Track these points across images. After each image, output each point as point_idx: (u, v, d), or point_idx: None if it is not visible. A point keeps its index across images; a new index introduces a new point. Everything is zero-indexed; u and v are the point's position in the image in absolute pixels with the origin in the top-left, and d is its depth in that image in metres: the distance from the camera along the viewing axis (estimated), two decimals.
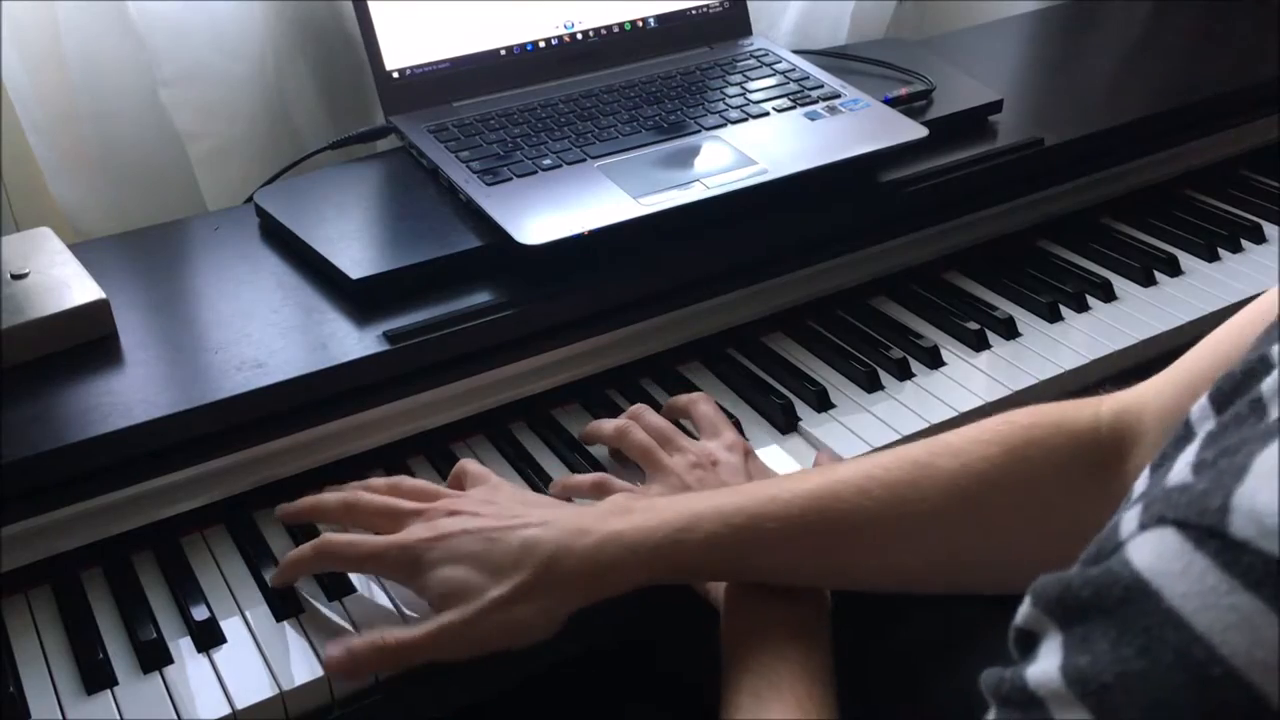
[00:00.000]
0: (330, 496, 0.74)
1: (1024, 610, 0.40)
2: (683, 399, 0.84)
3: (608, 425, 0.81)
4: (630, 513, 0.66)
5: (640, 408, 0.82)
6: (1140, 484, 0.42)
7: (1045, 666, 0.38)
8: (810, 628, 0.66)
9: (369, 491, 0.73)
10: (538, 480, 0.81)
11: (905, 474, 0.65)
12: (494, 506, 0.69)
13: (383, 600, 0.73)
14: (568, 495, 0.78)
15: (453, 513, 0.68)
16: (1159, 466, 0.41)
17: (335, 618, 0.71)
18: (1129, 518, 0.38)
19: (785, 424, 0.86)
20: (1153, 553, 0.36)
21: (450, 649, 0.65)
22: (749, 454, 0.78)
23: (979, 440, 0.65)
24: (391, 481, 0.74)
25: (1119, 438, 0.64)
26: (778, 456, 0.83)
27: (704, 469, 0.75)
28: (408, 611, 0.71)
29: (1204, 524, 0.35)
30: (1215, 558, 0.34)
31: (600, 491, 0.76)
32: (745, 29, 1.12)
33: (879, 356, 0.92)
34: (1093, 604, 0.37)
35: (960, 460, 0.65)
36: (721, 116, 0.98)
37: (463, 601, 0.64)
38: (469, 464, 0.75)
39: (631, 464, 0.80)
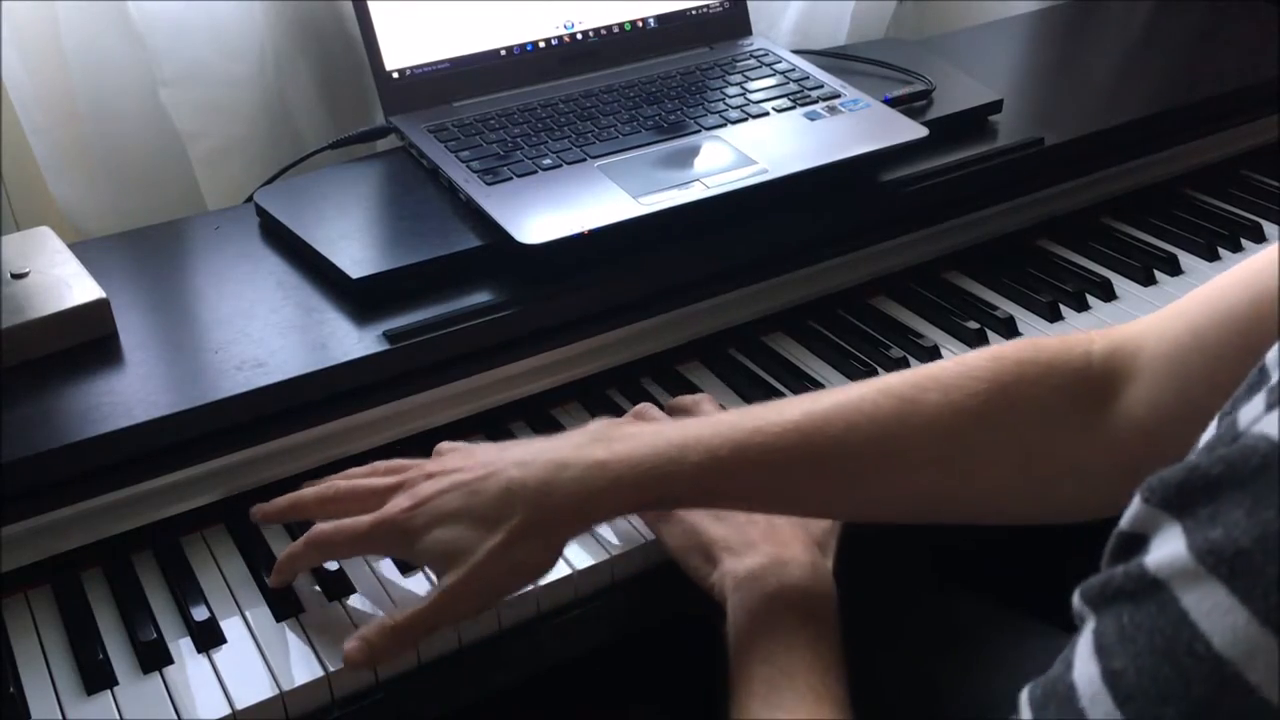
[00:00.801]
0: (307, 491, 0.74)
1: (1132, 512, 0.41)
2: (686, 399, 0.84)
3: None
4: (611, 441, 0.66)
5: (644, 406, 0.82)
6: (1210, 431, 0.42)
7: (1166, 551, 0.38)
8: (818, 615, 0.66)
9: (345, 479, 0.73)
10: None
11: (892, 409, 0.65)
12: (471, 460, 0.69)
13: (382, 600, 0.73)
14: None
15: (430, 475, 0.69)
16: (1228, 413, 0.41)
17: (335, 618, 0.71)
18: (1249, 409, 0.39)
19: None
20: None
21: (459, 609, 0.66)
22: None
23: (968, 376, 0.65)
24: (368, 467, 0.74)
25: (1110, 375, 0.64)
26: None
27: None
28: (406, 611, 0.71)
29: None
30: None
31: None
32: (745, 29, 1.12)
33: (879, 356, 0.92)
34: (1225, 478, 0.37)
35: (949, 397, 0.65)
36: (721, 116, 0.98)
37: (459, 560, 0.64)
38: (445, 444, 0.75)
39: None
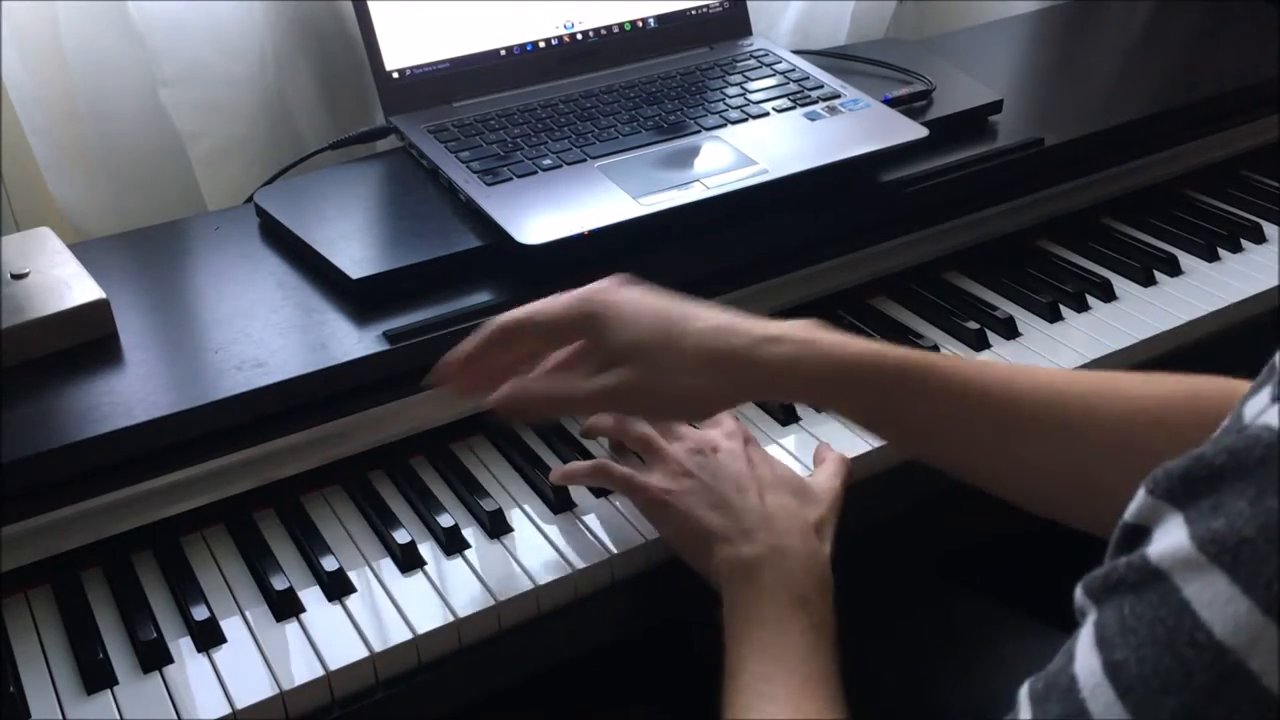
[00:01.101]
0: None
1: (1136, 504, 0.41)
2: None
3: (608, 417, 0.81)
4: (820, 329, 0.69)
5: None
6: (1234, 412, 0.42)
7: (1168, 542, 0.38)
8: (813, 607, 0.66)
9: None
10: (539, 480, 0.81)
11: (1091, 388, 0.66)
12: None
13: (382, 600, 0.73)
14: (566, 484, 0.79)
15: None
16: (1237, 409, 0.41)
17: (335, 618, 0.72)
18: (1255, 403, 0.39)
19: (785, 418, 0.86)
20: None
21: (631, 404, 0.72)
22: (749, 440, 0.78)
23: (1169, 390, 0.65)
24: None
25: None
26: (777, 453, 0.83)
27: (704, 454, 0.75)
28: (407, 613, 0.71)
29: None
30: None
31: (600, 476, 0.77)
32: (745, 29, 1.12)
33: None
34: (1228, 469, 0.38)
35: (1144, 400, 0.65)
36: (721, 117, 0.98)
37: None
38: None
39: (632, 454, 0.80)
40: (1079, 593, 0.42)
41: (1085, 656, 0.40)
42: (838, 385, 0.68)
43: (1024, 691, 0.43)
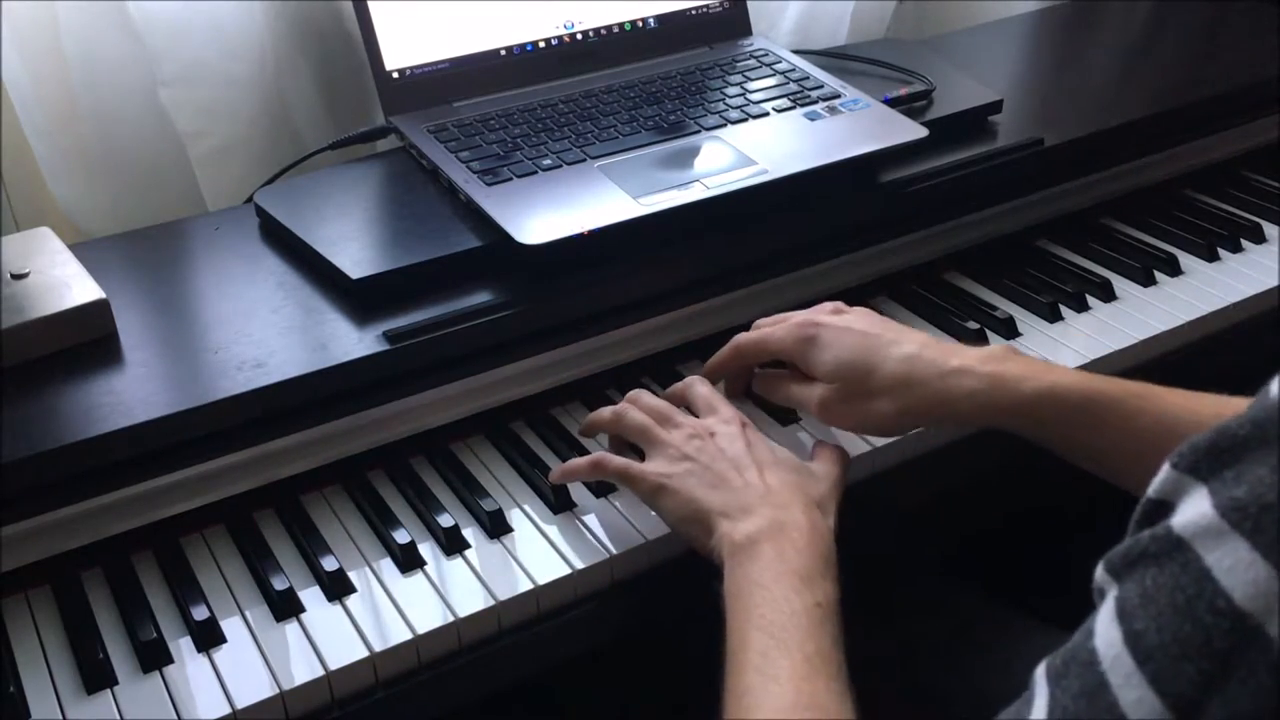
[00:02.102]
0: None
1: (1160, 478, 0.42)
2: (679, 385, 0.84)
3: (605, 412, 0.81)
4: (1008, 360, 0.74)
5: (637, 392, 0.82)
6: (1262, 389, 0.43)
7: (1191, 513, 0.39)
8: (816, 581, 0.65)
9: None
10: (539, 480, 0.81)
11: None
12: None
13: (383, 600, 0.73)
14: (566, 481, 0.79)
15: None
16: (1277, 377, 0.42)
17: (335, 618, 0.72)
18: (1277, 384, 0.40)
19: (784, 418, 0.86)
20: None
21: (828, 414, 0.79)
22: (745, 425, 0.78)
23: None
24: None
25: None
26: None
27: (701, 439, 0.75)
28: (407, 612, 0.71)
29: None
30: None
31: (598, 470, 0.77)
32: (745, 29, 1.12)
33: None
34: (1251, 439, 0.39)
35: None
36: (721, 117, 0.98)
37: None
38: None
39: (632, 449, 0.80)
40: (1100, 571, 0.43)
41: (1105, 630, 0.41)
42: (1019, 420, 0.73)
43: (1040, 671, 0.43)
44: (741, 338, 0.83)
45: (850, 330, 0.78)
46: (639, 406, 0.80)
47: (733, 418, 0.78)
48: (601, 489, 0.80)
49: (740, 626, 0.64)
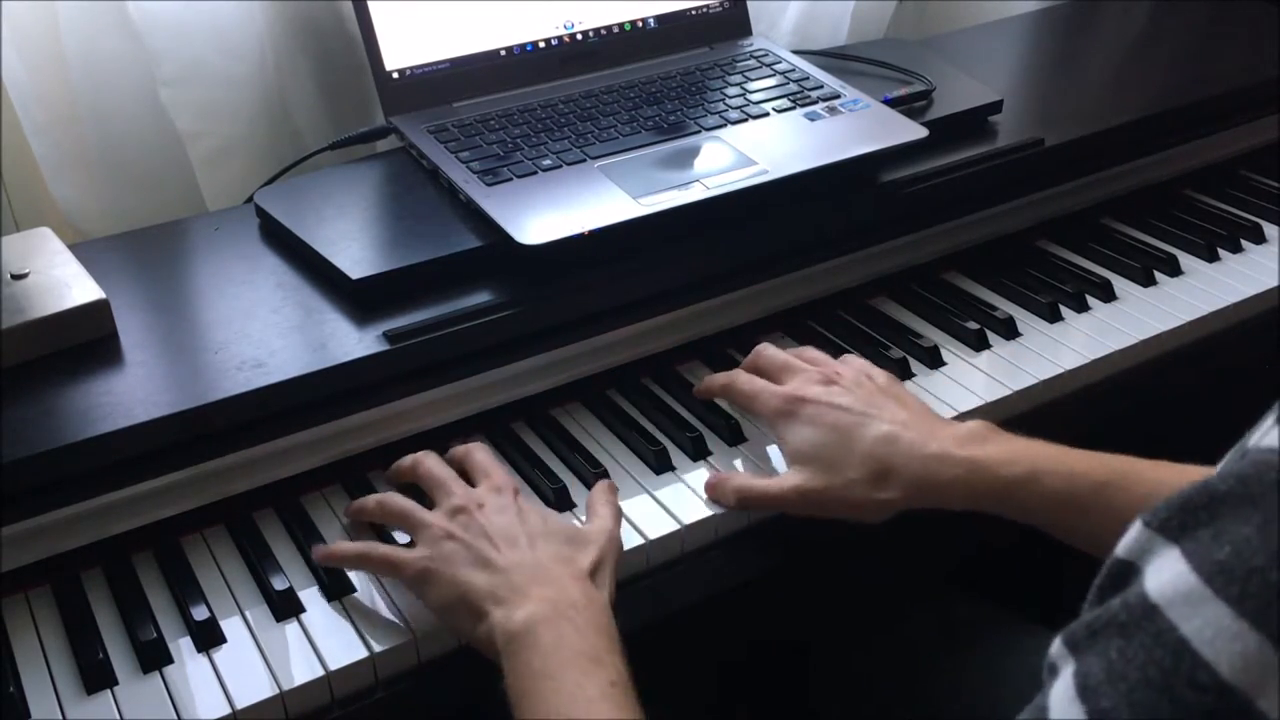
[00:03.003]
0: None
1: (1129, 536, 0.39)
2: (459, 450, 0.79)
3: (368, 501, 0.76)
4: (987, 442, 0.74)
5: (416, 457, 0.78)
6: (1238, 445, 0.41)
7: (1165, 576, 0.36)
8: (603, 660, 0.62)
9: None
10: (539, 480, 0.81)
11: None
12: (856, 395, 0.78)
13: (381, 600, 0.73)
14: (329, 564, 0.74)
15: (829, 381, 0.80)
16: (1253, 431, 0.40)
17: (335, 618, 0.72)
18: (1259, 432, 0.38)
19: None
20: None
21: (802, 507, 0.76)
22: (518, 493, 0.74)
23: None
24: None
25: None
26: (774, 454, 0.83)
27: (468, 513, 0.71)
28: (406, 613, 0.72)
29: None
30: None
31: (364, 561, 0.73)
32: (745, 29, 1.12)
33: (879, 356, 0.92)
34: (1231, 496, 0.36)
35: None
36: (721, 117, 0.98)
37: (818, 469, 0.75)
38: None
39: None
40: (1056, 645, 0.40)
41: (1064, 711, 0.38)
42: (1002, 506, 0.73)
43: None
44: (736, 384, 0.83)
45: (832, 408, 0.77)
46: (416, 469, 0.76)
47: (504, 485, 0.74)
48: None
49: (530, 711, 0.60)
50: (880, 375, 0.82)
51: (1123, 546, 0.39)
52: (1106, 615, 0.38)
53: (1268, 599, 0.34)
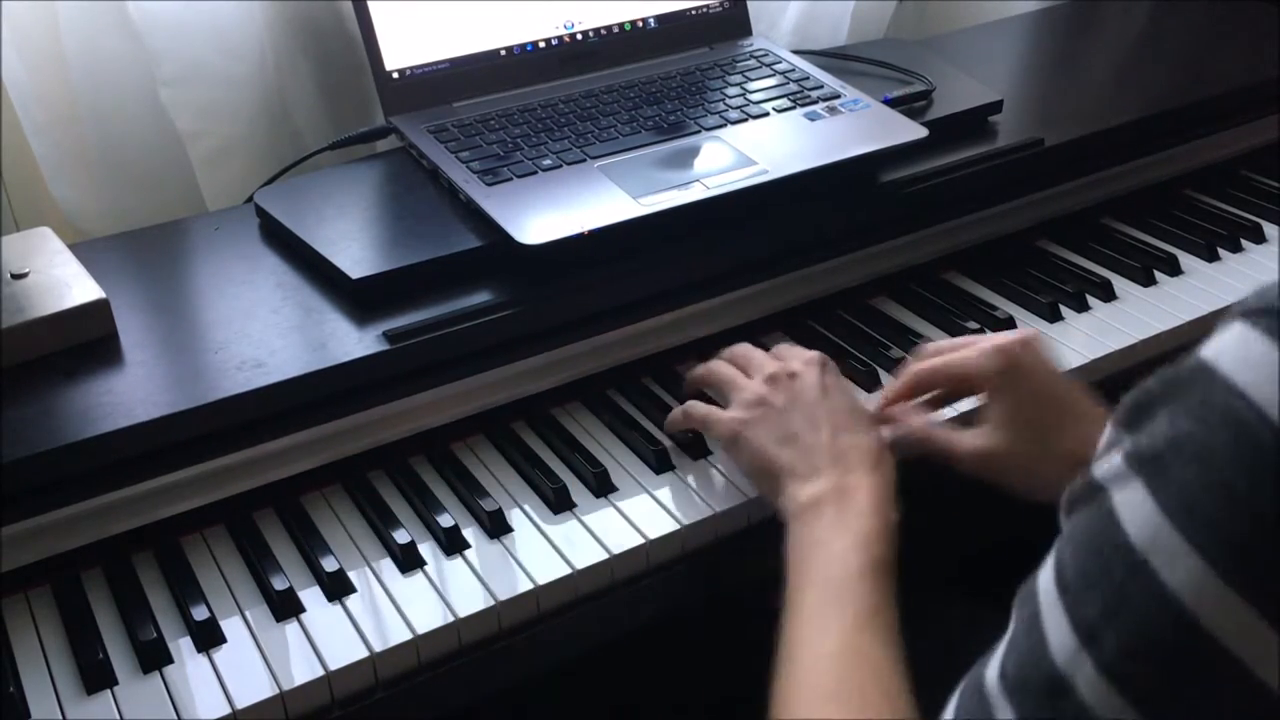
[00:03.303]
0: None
1: (1105, 433, 0.46)
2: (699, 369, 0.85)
3: (698, 369, 0.85)
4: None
5: (733, 347, 0.84)
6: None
7: (1112, 461, 0.44)
8: (874, 545, 0.67)
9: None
10: (539, 480, 0.81)
11: None
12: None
13: (382, 600, 0.73)
14: (671, 433, 0.83)
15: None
16: None
17: (335, 618, 0.72)
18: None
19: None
20: (1218, 341, 0.42)
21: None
22: (825, 365, 0.79)
23: None
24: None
25: None
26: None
27: (779, 382, 0.78)
28: (406, 612, 0.71)
29: (1262, 306, 0.42)
30: (1269, 331, 0.41)
31: (688, 419, 0.81)
32: (745, 29, 1.12)
33: (879, 356, 0.92)
34: (1160, 394, 0.43)
35: None
36: (721, 117, 0.98)
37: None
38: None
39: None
40: (1060, 513, 0.46)
41: (1047, 566, 0.45)
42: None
43: (1015, 602, 0.47)
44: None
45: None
46: (730, 357, 0.83)
47: (814, 359, 0.80)
48: (602, 489, 0.80)
49: (798, 582, 0.67)
50: None
51: (1101, 443, 0.46)
52: (1074, 491, 0.45)
53: (1164, 477, 0.41)
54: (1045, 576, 0.45)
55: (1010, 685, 0.44)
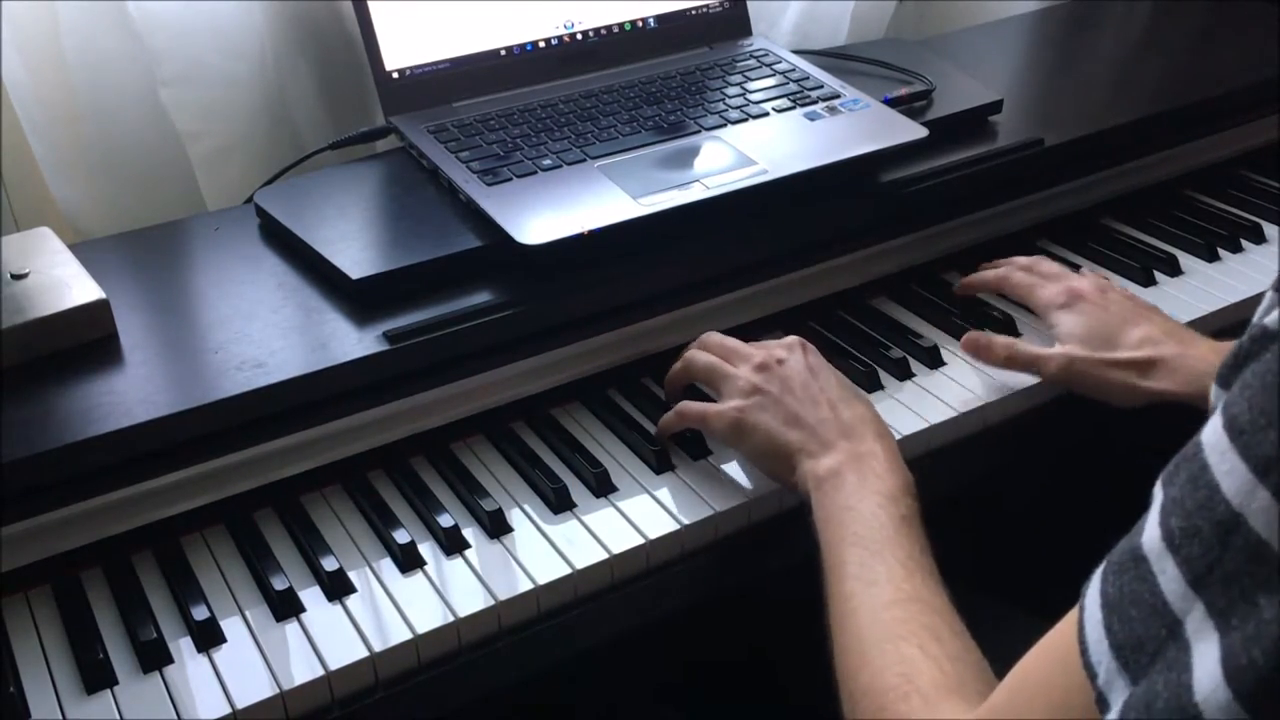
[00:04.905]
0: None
1: (1266, 299, 0.47)
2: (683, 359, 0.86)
3: (675, 366, 0.86)
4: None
5: (706, 335, 0.86)
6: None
7: (1212, 423, 0.44)
8: (899, 498, 0.70)
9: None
10: (539, 480, 0.81)
11: None
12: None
13: (382, 600, 0.73)
14: (664, 435, 0.84)
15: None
16: None
17: (335, 617, 0.72)
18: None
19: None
20: None
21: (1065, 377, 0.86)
22: (806, 348, 0.82)
23: None
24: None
25: None
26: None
27: (769, 369, 0.79)
28: (407, 612, 0.71)
29: None
30: None
31: (682, 419, 0.82)
32: (745, 29, 1.12)
33: (879, 356, 0.92)
34: (1250, 353, 0.44)
35: None
36: (721, 117, 0.98)
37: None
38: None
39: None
40: (1213, 389, 0.47)
41: (1211, 427, 0.45)
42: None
43: (1159, 482, 0.47)
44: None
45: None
46: (705, 347, 0.84)
47: (794, 343, 0.82)
48: (602, 489, 0.80)
49: (834, 546, 0.68)
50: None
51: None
52: (1240, 350, 0.45)
53: (1248, 434, 0.42)
54: (1208, 435, 0.44)
55: (1176, 541, 0.44)
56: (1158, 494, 0.46)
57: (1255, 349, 0.44)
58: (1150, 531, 0.45)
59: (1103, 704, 0.46)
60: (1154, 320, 0.87)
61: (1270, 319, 0.44)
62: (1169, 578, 0.44)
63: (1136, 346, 0.84)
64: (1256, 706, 0.39)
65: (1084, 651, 0.47)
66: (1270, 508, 0.40)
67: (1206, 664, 0.41)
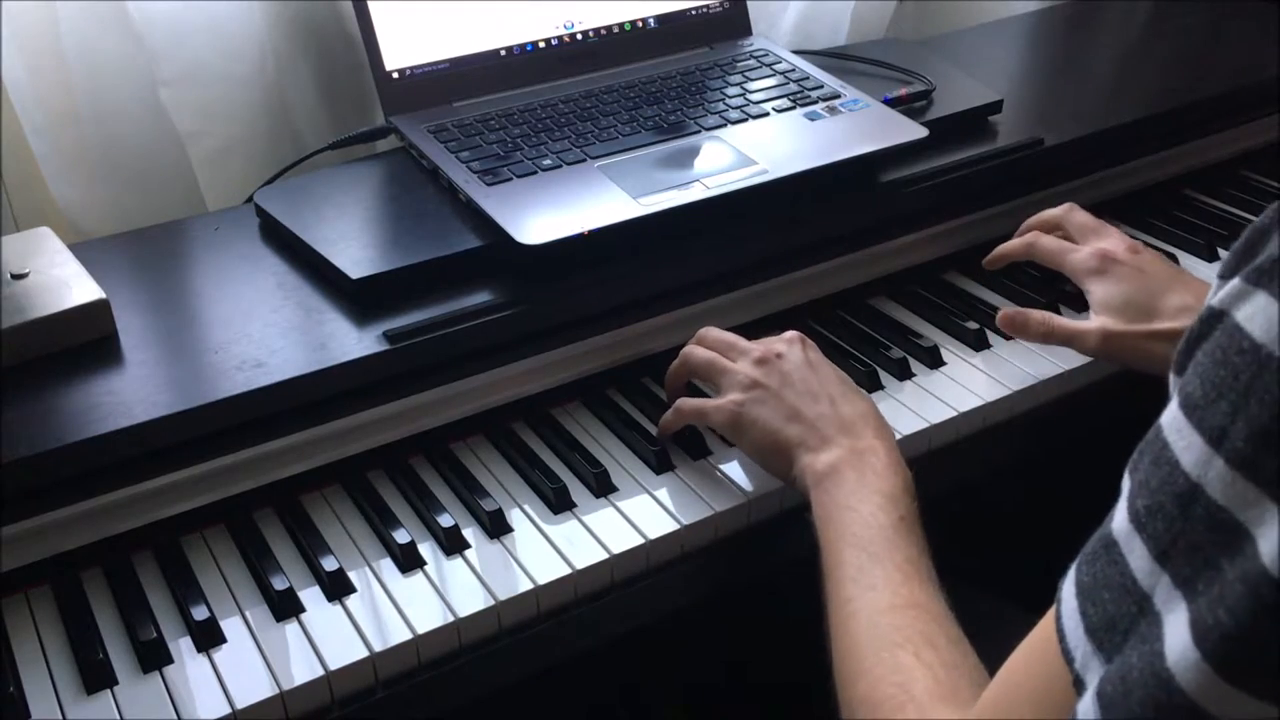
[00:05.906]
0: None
1: (1214, 286, 0.47)
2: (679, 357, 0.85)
3: (674, 364, 0.85)
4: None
5: (704, 330, 0.85)
6: None
7: (1227, 287, 0.44)
8: (898, 498, 0.70)
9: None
10: (539, 480, 0.81)
11: None
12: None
13: (382, 600, 0.73)
14: (665, 435, 0.83)
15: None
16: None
17: (335, 617, 0.72)
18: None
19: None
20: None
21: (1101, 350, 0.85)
22: (805, 343, 0.82)
23: None
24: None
25: None
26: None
27: (768, 363, 0.79)
28: (407, 612, 0.71)
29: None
30: None
31: (680, 417, 0.82)
32: (745, 29, 1.12)
33: (879, 356, 0.92)
34: (1269, 223, 0.44)
35: None
36: (721, 117, 0.98)
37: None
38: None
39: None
40: (1171, 372, 0.48)
41: (1169, 410, 0.46)
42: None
43: (1126, 471, 0.48)
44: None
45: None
46: (703, 342, 0.84)
47: (793, 337, 0.82)
48: (602, 489, 0.80)
49: (833, 546, 0.68)
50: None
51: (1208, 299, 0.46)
52: (1190, 335, 0.46)
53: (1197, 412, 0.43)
54: (1166, 418, 0.45)
55: (1142, 519, 0.45)
56: (1126, 482, 0.47)
57: (1204, 330, 0.45)
58: (1119, 517, 0.46)
59: (1079, 686, 0.46)
60: (1190, 285, 0.86)
61: (1214, 300, 0.45)
62: (1137, 556, 0.44)
63: (1175, 316, 0.83)
64: (1226, 663, 0.40)
65: (1061, 639, 0.48)
66: (1225, 474, 0.41)
67: (1177, 631, 0.42)
